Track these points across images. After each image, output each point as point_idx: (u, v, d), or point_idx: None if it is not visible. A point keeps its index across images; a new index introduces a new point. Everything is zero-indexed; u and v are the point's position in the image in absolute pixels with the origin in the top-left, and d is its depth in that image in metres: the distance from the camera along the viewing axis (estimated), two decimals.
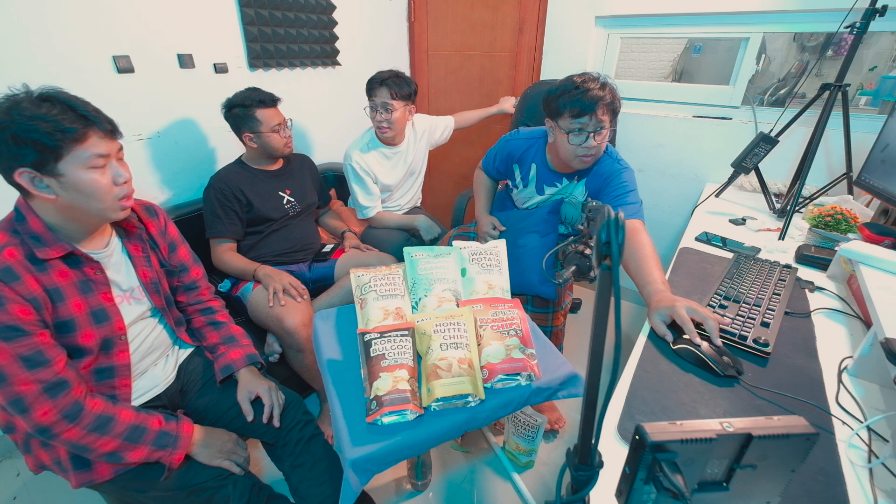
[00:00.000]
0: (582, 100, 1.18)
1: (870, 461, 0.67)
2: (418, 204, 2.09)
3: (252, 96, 1.43)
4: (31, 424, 0.78)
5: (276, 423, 1.03)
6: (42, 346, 0.78)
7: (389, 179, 1.82)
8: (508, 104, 2.11)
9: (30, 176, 0.77)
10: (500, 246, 1.16)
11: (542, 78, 2.12)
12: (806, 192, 1.57)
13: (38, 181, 0.77)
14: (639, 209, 1.29)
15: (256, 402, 1.05)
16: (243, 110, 1.43)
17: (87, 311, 0.86)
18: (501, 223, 1.53)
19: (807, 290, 1.10)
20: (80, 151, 0.78)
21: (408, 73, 2.50)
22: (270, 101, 1.46)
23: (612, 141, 1.80)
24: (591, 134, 1.21)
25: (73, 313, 0.84)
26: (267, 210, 1.54)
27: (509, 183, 1.57)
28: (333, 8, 1.94)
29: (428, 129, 1.93)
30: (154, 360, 1.04)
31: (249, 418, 1.03)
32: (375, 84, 1.66)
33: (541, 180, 1.44)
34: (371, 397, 0.83)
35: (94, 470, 0.87)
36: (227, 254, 1.48)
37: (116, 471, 0.88)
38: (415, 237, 1.83)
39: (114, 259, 0.95)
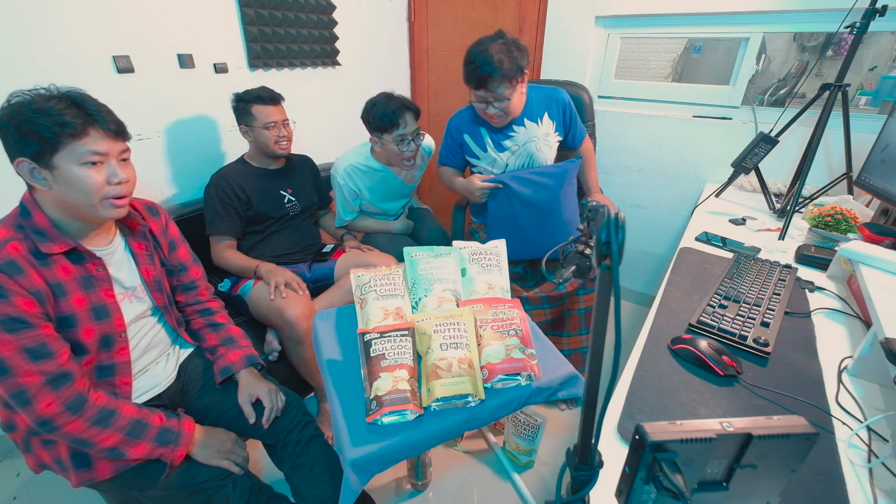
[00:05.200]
0: (475, 76, 1.30)
1: (870, 461, 0.67)
2: (419, 205, 2.08)
3: (253, 92, 1.47)
4: (33, 417, 0.78)
5: (266, 425, 1.03)
6: (46, 338, 0.78)
7: (377, 198, 1.74)
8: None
9: (28, 166, 0.79)
10: (500, 246, 1.16)
11: (541, 77, 2.12)
12: (806, 192, 1.57)
13: (35, 172, 0.79)
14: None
15: (257, 405, 1.05)
16: (243, 104, 1.47)
17: (88, 306, 0.87)
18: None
19: (807, 290, 1.10)
20: (76, 146, 0.79)
21: (408, 73, 2.51)
22: (269, 98, 1.47)
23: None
24: (491, 103, 1.35)
25: (75, 308, 0.84)
26: (267, 208, 1.54)
27: (470, 161, 1.57)
28: (333, 8, 1.94)
29: (430, 149, 1.81)
30: (154, 358, 1.04)
31: (251, 421, 1.03)
32: (401, 112, 1.48)
33: (495, 139, 1.50)
34: (371, 397, 0.83)
35: (95, 469, 0.87)
36: (228, 251, 1.48)
37: (117, 469, 0.88)
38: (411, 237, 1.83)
39: (116, 257, 0.95)
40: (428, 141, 1.78)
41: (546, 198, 1.43)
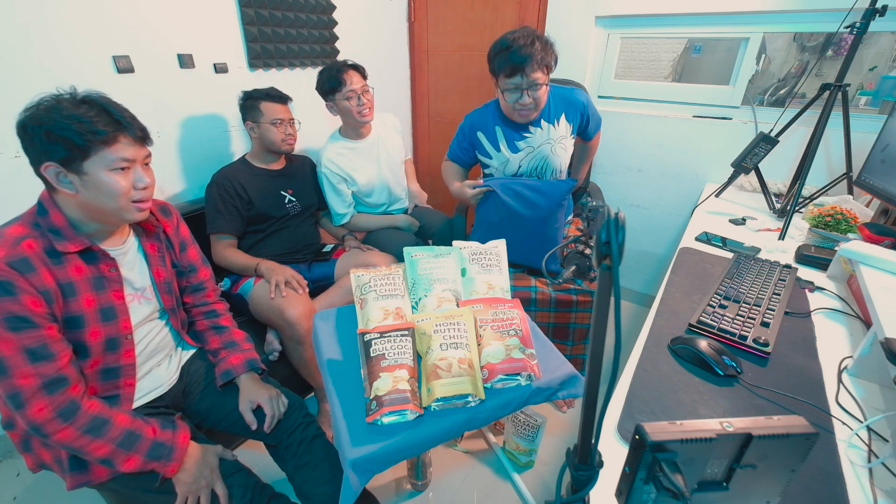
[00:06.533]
0: (512, 61, 1.27)
1: (870, 461, 0.67)
2: (423, 203, 2.08)
3: (262, 90, 1.51)
4: (25, 421, 0.77)
5: (268, 431, 1.03)
6: (48, 339, 0.78)
7: (364, 178, 1.76)
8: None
9: (55, 170, 0.79)
10: (500, 246, 1.16)
11: None
12: (806, 192, 1.57)
13: (62, 176, 0.80)
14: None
15: (258, 410, 1.04)
16: (251, 101, 1.50)
17: (97, 307, 0.87)
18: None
19: (807, 290, 1.10)
20: (106, 153, 0.81)
21: (407, 73, 2.51)
22: (278, 97, 1.52)
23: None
24: (525, 91, 1.31)
25: (83, 309, 0.84)
26: (268, 208, 1.54)
27: (483, 160, 1.54)
28: (333, 8, 1.94)
29: (401, 127, 1.93)
30: (158, 360, 1.04)
31: (253, 428, 1.03)
32: (344, 72, 1.57)
33: (509, 139, 1.46)
34: (371, 397, 0.83)
35: (91, 471, 0.87)
36: (228, 250, 1.48)
37: (113, 472, 0.88)
38: (417, 237, 1.83)
39: (128, 257, 0.95)
40: (391, 120, 1.89)
41: (534, 216, 1.39)
